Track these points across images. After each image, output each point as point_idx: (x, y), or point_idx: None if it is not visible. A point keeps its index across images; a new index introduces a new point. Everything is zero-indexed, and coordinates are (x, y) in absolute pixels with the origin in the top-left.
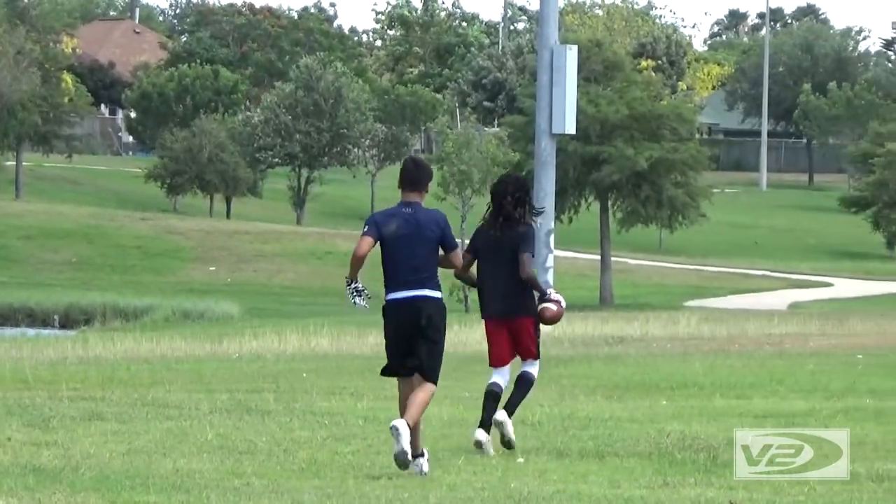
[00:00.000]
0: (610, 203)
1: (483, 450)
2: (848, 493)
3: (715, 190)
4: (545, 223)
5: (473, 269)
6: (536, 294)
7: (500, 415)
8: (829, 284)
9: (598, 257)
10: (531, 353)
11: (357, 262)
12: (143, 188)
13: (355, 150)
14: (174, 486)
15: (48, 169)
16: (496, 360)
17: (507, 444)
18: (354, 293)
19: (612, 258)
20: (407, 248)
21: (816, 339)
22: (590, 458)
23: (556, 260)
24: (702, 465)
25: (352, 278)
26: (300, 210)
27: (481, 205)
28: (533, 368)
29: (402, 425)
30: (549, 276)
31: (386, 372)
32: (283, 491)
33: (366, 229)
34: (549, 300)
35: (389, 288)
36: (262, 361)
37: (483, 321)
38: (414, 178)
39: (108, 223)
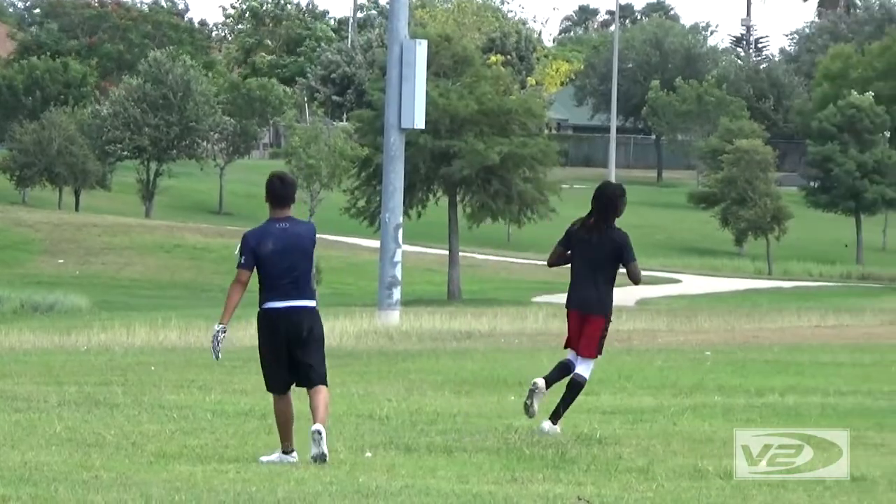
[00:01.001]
0: (459, 198)
1: (535, 392)
2: (696, 490)
3: (564, 185)
4: (393, 218)
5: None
6: None
7: (546, 426)
8: (677, 281)
9: (446, 252)
10: (590, 350)
11: (236, 299)
12: None
13: (204, 143)
14: (22, 479)
15: None
16: (570, 345)
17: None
18: (219, 341)
19: (460, 253)
20: (285, 261)
21: (664, 336)
22: (438, 454)
23: (403, 255)
24: (550, 461)
25: (226, 324)
26: (149, 203)
27: (329, 198)
28: (585, 370)
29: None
30: (398, 271)
31: (271, 390)
32: (132, 484)
33: (242, 261)
34: None
35: (267, 297)
36: (111, 354)
37: (566, 311)
38: (282, 194)
39: None
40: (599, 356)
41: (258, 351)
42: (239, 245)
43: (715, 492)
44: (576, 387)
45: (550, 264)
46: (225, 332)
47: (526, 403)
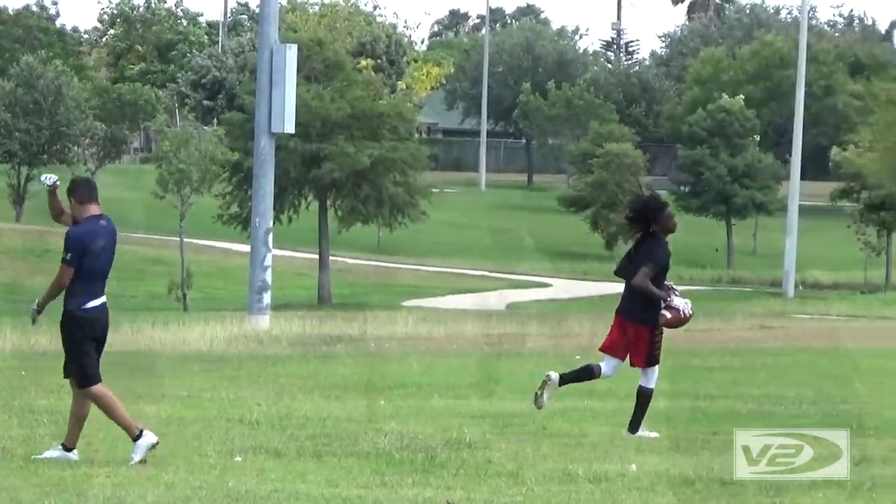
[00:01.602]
0: (329, 202)
1: (547, 383)
2: (565, 494)
3: (434, 189)
4: (264, 222)
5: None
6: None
7: (553, 375)
8: (547, 285)
9: (317, 256)
10: (641, 361)
11: (58, 294)
12: None
13: (75, 148)
14: None
15: None
16: (605, 346)
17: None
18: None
19: (331, 257)
20: (106, 259)
21: (535, 340)
22: (308, 458)
23: (274, 259)
24: (420, 465)
25: (45, 306)
26: (20, 207)
27: (200, 203)
28: (647, 380)
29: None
30: (268, 275)
31: (94, 381)
32: (2, 489)
33: (69, 257)
34: (669, 307)
35: (85, 296)
36: None
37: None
38: (88, 192)
39: None
40: (657, 365)
41: (73, 349)
42: (67, 242)
43: (585, 495)
44: (644, 396)
45: (616, 273)
46: (40, 312)
47: (536, 394)
